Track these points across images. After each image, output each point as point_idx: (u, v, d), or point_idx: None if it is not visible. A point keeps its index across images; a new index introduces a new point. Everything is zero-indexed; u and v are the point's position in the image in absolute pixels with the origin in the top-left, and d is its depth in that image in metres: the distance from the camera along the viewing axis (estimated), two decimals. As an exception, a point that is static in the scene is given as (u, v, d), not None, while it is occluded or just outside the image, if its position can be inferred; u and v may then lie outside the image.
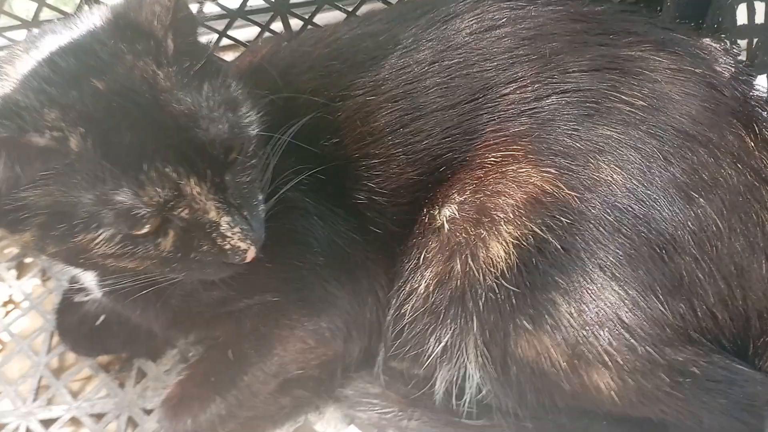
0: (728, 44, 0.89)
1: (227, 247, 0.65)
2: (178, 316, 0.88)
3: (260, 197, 0.72)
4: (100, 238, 0.61)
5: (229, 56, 1.24)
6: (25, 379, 1.08)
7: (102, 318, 1.03)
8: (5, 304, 1.20)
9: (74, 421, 1.02)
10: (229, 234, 0.65)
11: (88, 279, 0.89)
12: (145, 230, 0.62)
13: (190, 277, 0.71)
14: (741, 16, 0.89)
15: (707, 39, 0.87)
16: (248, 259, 0.67)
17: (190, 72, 0.65)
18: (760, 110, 0.81)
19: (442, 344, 0.81)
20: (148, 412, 1.00)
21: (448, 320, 0.80)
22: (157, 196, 0.60)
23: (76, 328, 1.05)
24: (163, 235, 0.64)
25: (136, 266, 0.67)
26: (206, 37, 0.94)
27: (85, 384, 1.07)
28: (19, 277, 1.23)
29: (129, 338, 1.03)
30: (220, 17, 1.10)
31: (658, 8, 1.01)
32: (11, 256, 1.25)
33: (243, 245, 0.66)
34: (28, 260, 1.26)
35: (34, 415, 1.03)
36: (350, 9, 1.11)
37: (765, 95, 0.82)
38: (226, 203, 0.65)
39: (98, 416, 1.01)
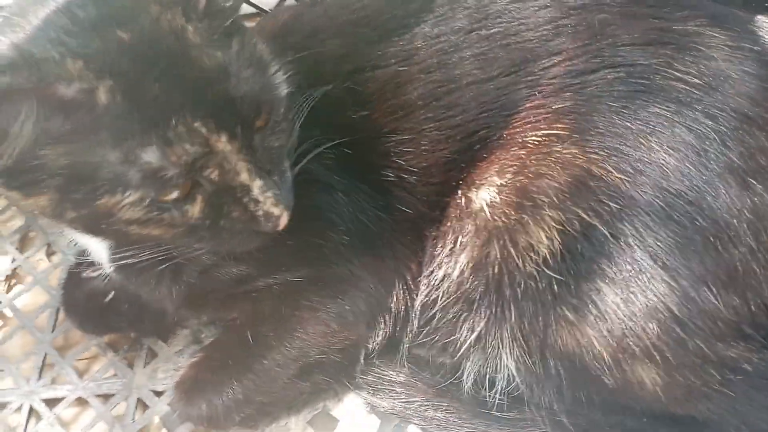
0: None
1: (259, 213, 0.62)
2: (193, 294, 0.83)
3: (287, 164, 0.68)
4: (126, 201, 0.57)
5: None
6: (28, 357, 1.03)
7: (111, 295, 0.98)
8: (8, 278, 1.16)
9: (80, 402, 0.98)
10: (261, 198, 0.62)
11: (98, 253, 0.84)
12: (173, 196, 0.58)
13: (218, 247, 0.68)
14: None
15: (761, 16, 0.82)
16: (281, 227, 0.63)
17: (220, 29, 0.61)
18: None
19: (476, 333, 0.77)
20: (159, 394, 0.96)
21: (483, 308, 0.76)
22: (185, 154, 0.56)
23: (83, 304, 1.00)
24: (191, 201, 0.60)
25: (161, 234, 0.63)
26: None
27: (91, 363, 1.03)
28: (23, 250, 1.18)
29: (139, 317, 0.99)
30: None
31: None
32: (14, 229, 1.21)
33: (276, 211, 0.62)
34: (32, 233, 1.21)
35: (38, 395, 0.98)
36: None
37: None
38: (258, 166, 0.61)
39: (105, 397, 0.97)
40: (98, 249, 0.83)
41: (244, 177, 0.61)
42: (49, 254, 1.18)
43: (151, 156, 0.56)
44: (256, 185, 0.61)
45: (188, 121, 0.56)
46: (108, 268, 0.85)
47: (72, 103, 0.54)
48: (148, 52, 0.56)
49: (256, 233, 0.65)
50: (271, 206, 0.62)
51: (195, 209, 0.61)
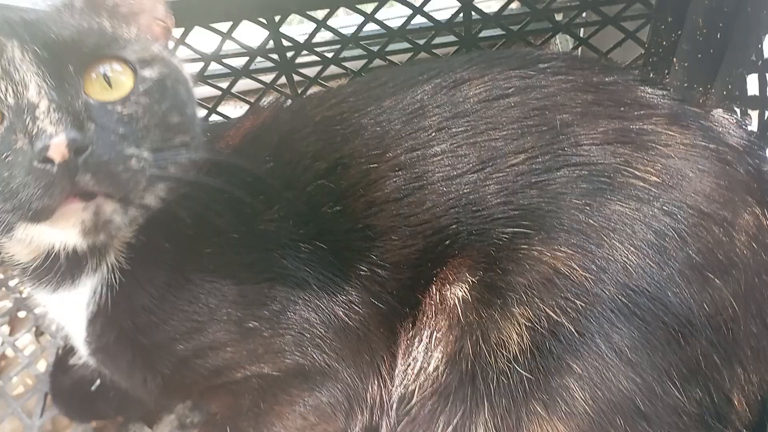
0: (739, 114, 0.88)
1: (34, 131, 0.56)
2: (171, 385, 0.84)
3: (144, 152, 0.63)
4: None
5: (229, 108, 1.23)
6: (17, 443, 1.05)
7: (98, 382, 1.00)
8: (-3, 361, 1.18)
9: (68, 490, 0.99)
10: (41, 117, 0.56)
11: (77, 339, 0.85)
12: None
13: (3, 198, 0.58)
14: (752, 86, 0.88)
15: (719, 110, 0.86)
16: (53, 151, 0.55)
17: None
18: (775, 186, 0.80)
19: (452, 426, 0.78)
20: (145, 482, 0.97)
21: (458, 401, 0.77)
22: None
23: (70, 392, 1.02)
24: None
25: None
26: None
27: (78, 449, 1.04)
28: (11, 332, 1.20)
29: (124, 403, 1.01)
30: (224, 75, 1.09)
31: (666, 71, 1.00)
32: (4, 311, 1.23)
33: (50, 129, 0.56)
34: (21, 314, 1.23)
35: (26, 483, 0.99)
36: (355, 69, 1.10)
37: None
38: (59, 92, 0.59)
39: (93, 485, 0.98)
40: (76, 334, 0.84)
41: (32, 93, 0.58)
42: (38, 335, 1.20)
43: None
44: (43, 104, 0.57)
45: None
46: (85, 354, 0.86)
47: None
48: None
49: (34, 168, 0.56)
50: (48, 124, 0.56)
51: None
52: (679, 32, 0.97)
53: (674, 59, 0.99)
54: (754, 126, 0.88)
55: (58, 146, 0.55)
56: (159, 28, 0.74)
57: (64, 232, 0.64)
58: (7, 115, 0.59)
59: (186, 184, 0.69)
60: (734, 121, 0.84)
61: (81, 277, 0.78)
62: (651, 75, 1.00)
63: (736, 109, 0.90)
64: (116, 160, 0.59)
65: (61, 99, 0.58)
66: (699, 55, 0.94)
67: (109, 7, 0.70)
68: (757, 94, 0.87)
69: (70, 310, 0.82)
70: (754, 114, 0.89)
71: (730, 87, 0.92)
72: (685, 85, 0.97)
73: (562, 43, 1.28)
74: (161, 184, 0.66)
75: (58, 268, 0.77)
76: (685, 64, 0.97)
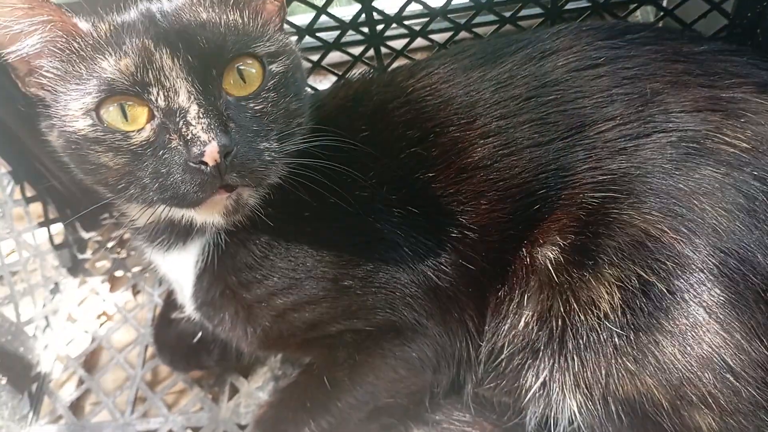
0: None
1: (189, 136, 0.64)
2: (270, 337, 0.90)
3: (274, 143, 0.71)
4: (81, 106, 0.68)
5: (313, 80, 1.28)
6: (122, 391, 1.14)
7: (199, 335, 1.08)
8: (98, 316, 1.27)
9: (171, 434, 1.08)
10: (194, 122, 0.65)
11: (183, 294, 0.93)
12: (132, 125, 0.68)
13: (161, 182, 0.68)
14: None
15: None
16: (207, 157, 0.63)
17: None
18: None
19: (540, 380, 0.83)
20: (242, 427, 1.04)
21: (547, 357, 0.82)
22: (132, 64, 0.66)
23: (174, 344, 1.10)
24: (140, 129, 0.68)
25: (110, 162, 0.69)
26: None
27: (179, 397, 1.13)
28: (112, 290, 1.30)
29: (223, 355, 1.08)
30: (315, 48, 1.14)
31: (749, 42, 1.00)
32: (104, 270, 1.32)
33: (203, 136, 0.64)
34: (118, 273, 1.32)
35: (133, 426, 1.08)
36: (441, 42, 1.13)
37: None
38: (205, 96, 0.66)
39: (194, 429, 1.07)
40: (183, 290, 0.92)
41: (182, 98, 0.66)
42: (136, 293, 1.29)
43: (107, 63, 0.67)
44: (193, 108, 0.65)
45: (143, 40, 0.67)
46: (191, 309, 0.94)
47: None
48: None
49: (189, 168, 0.65)
50: (201, 131, 0.64)
51: (141, 135, 0.68)
52: (765, 3, 0.97)
53: (758, 30, 0.99)
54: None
55: (211, 153, 0.64)
56: (273, 7, 0.79)
57: (207, 215, 0.75)
58: (157, 115, 0.67)
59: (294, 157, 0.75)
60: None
61: (191, 238, 0.85)
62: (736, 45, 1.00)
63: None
64: (254, 156, 0.68)
65: (207, 102, 0.66)
66: (785, 26, 0.94)
67: None
68: None
69: (179, 268, 0.90)
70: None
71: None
72: (769, 57, 0.97)
73: (643, 15, 1.28)
74: (283, 165, 0.73)
75: (172, 230, 0.85)
76: (771, 34, 0.97)
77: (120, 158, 0.68)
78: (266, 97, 0.72)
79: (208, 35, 0.70)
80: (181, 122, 0.65)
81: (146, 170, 0.68)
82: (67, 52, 0.71)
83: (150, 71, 0.66)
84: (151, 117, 0.68)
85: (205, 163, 0.64)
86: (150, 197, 0.70)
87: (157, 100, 0.67)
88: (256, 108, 0.71)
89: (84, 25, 0.72)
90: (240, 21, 0.75)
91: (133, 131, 0.68)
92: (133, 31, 0.69)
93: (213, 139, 0.64)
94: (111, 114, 0.68)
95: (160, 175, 0.67)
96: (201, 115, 0.65)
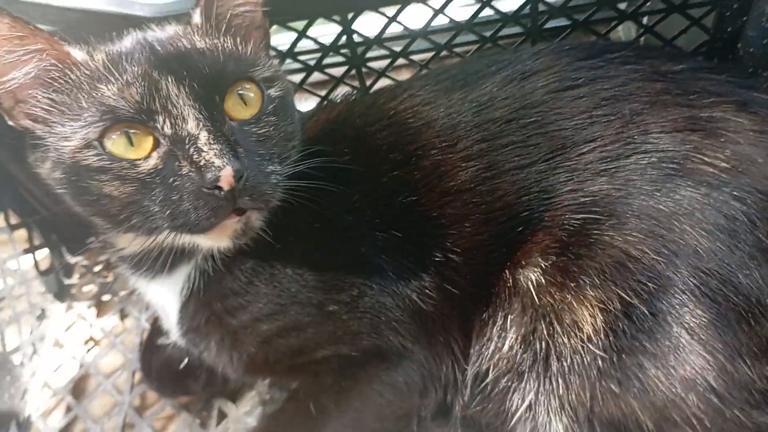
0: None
1: (201, 162, 0.65)
2: (255, 363, 0.90)
3: (278, 166, 0.73)
4: (83, 135, 0.68)
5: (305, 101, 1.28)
6: (110, 417, 1.13)
7: (185, 361, 1.07)
8: (86, 342, 1.26)
9: (160, 460, 1.07)
10: (205, 148, 0.65)
11: (169, 319, 0.93)
12: (138, 154, 0.68)
13: (171, 209, 0.68)
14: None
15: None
16: (223, 182, 0.64)
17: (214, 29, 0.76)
18: None
19: (526, 403, 0.82)
20: (231, 453, 1.04)
21: (532, 380, 0.81)
22: (138, 93, 0.67)
23: (161, 370, 1.10)
24: (147, 158, 0.68)
25: (116, 192, 0.69)
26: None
27: (167, 423, 1.12)
28: (99, 315, 1.29)
29: (210, 381, 1.08)
30: (297, 71, 1.14)
31: (730, 57, 1.01)
32: (91, 295, 1.31)
33: (217, 161, 0.65)
34: (105, 298, 1.32)
35: (122, 454, 1.08)
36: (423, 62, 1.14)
37: None
38: (213, 122, 0.67)
39: (183, 456, 1.06)
40: (169, 317, 0.92)
41: (191, 125, 0.67)
42: (123, 317, 1.28)
43: (110, 92, 0.67)
44: (203, 135, 0.66)
45: (146, 69, 0.68)
46: (177, 335, 0.93)
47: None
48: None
49: (204, 194, 0.66)
50: (214, 156, 0.65)
51: (149, 163, 0.68)
52: (745, 19, 0.98)
53: (739, 45, 1.00)
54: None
55: (226, 177, 0.64)
56: (259, 33, 0.80)
57: (216, 240, 0.76)
58: (164, 142, 0.68)
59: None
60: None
61: (177, 266, 0.85)
62: (716, 61, 1.01)
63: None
64: (263, 179, 0.70)
65: (216, 128, 0.67)
66: (764, 41, 0.95)
67: (227, 21, 0.77)
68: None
69: (165, 295, 0.90)
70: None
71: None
72: (750, 70, 0.98)
73: (625, 32, 1.29)
74: (284, 186, 0.74)
75: (158, 258, 0.84)
76: (750, 50, 0.98)
77: (127, 187, 0.68)
78: (267, 121, 0.74)
79: (209, 62, 0.71)
80: (191, 149, 0.66)
81: (155, 199, 0.68)
82: (62, 81, 0.71)
83: (156, 99, 0.67)
84: (157, 145, 0.68)
85: (220, 188, 0.65)
86: (157, 225, 0.70)
87: (163, 128, 0.67)
88: (259, 132, 0.73)
89: (78, 54, 0.72)
90: (234, 47, 0.76)
91: (139, 159, 0.68)
92: (133, 59, 0.70)
93: (227, 164, 0.64)
94: (116, 142, 0.68)
95: (171, 203, 0.68)
96: (212, 141, 0.66)
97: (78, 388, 1.20)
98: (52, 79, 0.71)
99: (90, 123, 0.68)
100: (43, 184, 0.77)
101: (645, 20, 1.12)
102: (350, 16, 1.05)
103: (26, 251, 1.26)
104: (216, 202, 0.66)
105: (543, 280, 0.81)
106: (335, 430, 0.89)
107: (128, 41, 0.76)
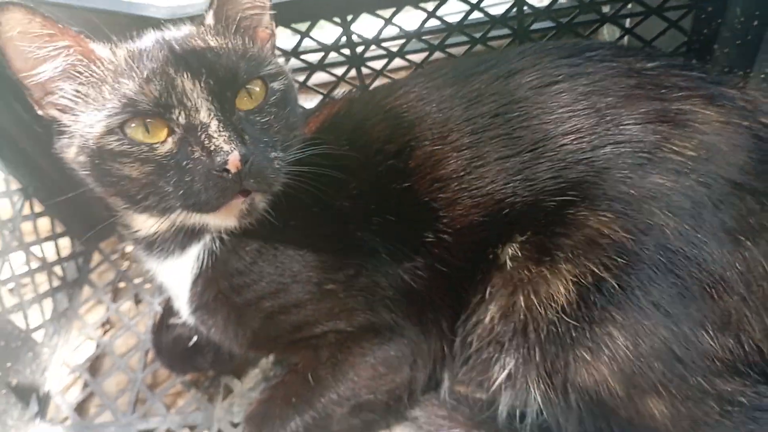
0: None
1: (212, 147, 0.72)
2: (259, 338, 0.98)
3: (280, 153, 0.80)
4: (107, 123, 0.75)
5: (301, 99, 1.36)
6: (123, 393, 1.21)
7: (194, 339, 1.15)
8: (103, 325, 1.34)
9: (169, 432, 1.14)
10: (215, 135, 0.73)
11: (180, 300, 1.00)
12: (155, 138, 0.75)
13: (185, 189, 0.75)
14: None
15: (755, 91, 0.93)
16: (230, 165, 0.71)
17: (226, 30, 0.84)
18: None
19: (506, 371, 0.89)
20: (235, 425, 1.11)
21: (512, 350, 0.88)
22: (156, 89, 0.74)
23: (171, 348, 1.17)
24: (163, 142, 0.75)
25: (136, 174, 0.76)
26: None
27: (176, 398, 1.20)
28: (114, 300, 1.37)
29: (216, 358, 1.15)
30: (301, 69, 1.22)
31: (708, 57, 1.08)
32: (108, 281, 1.40)
33: (226, 147, 0.72)
34: (121, 284, 1.40)
35: (134, 426, 1.15)
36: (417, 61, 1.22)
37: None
38: (223, 113, 0.75)
39: (191, 428, 1.13)
40: (179, 296, 0.99)
41: (203, 115, 0.74)
42: (137, 302, 1.36)
43: (131, 86, 0.74)
44: (214, 124, 0.73)
45: (164, 66, 0.75)
46: (186, 313, 1.01)
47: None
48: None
49: (213, 175, 0.73)
50: (223, 142, 0.72)
51: (165, 147, 0.75)
52: (720, 21, 1.04)
53: (715, 46, 1.06)
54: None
55: (233, 161, 0.72)
56: (265, 34, 0.88)
57: (224, 218, 0.83)
58: (177, 130, 0.75)
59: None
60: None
61: (188, 246, 0.93)
62: (694, 61, 1.08)
63: (771, 91, 0.97)
64: (267, 164, 0.77)
65: (225, 118, 0.75)
66: (738, 42, 1.01)
67: (236, 23, 0.85)
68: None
69: (176, 274, 0.97)
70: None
71: (767, 70, 0.99)
72: (726, 69, 1.05)
73: (609, 33, 1.36)
74: (286, 172, 0.81)
75: (171, 239, 0.92)
76: (726, 50, 1.04)
77: (146, 167, 0.76)
78: (270, 111, 0.81)
79: (224, 62, 0.78)
80: (203, 136, 0.73)
81: (170, 179, 0.76)
82: (87, 75, 0.79)
83: (173, 94, 0.74)
84: (171, 132, 0.76)
85: (228, 171, 0.72)
86: (171, 204, 0.78)
87: (178, 119, 0.75)
88: (262, 121, 0.80)
89: (102, 50, 0.79)
90: (244, 47, 0.84)
91: (156, 143, 0.76)
92: (152, 56, 0.77)
93: (235, 149, 0.72)
94: (134, 129, 0.76)
95: (183, 183, 0.75)
96: (221, 129, 0.73)
97: (94, 367, 1.28)
98: (78, 73, 0.79)
99: (113, 113, 0.76)
100: (66, 170, 0.85)
101: (627, 22, 1.19)
102: (349, 18, 1.13)
103: (48, 238, 1.35)
104: (224, 183, 0.73)
105: (521, 256, 0.88)
106: (331, 399, 0.96)
107: (147, 39, 0.83)
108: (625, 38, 1.20)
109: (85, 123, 0.78)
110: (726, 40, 1.04)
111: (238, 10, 0.85)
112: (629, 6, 1.12)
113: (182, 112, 0.75)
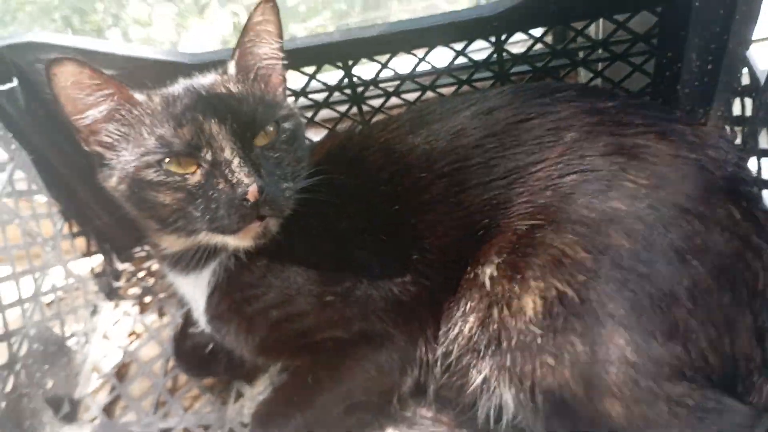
0: (728, 131, 1.06)
1: (234, 180, 0.85)
2: (266, 344, 1.09)
3: (290, 183, 0.94)
4: (146, 160, 0.89)
5: (310, 133, 1.50)
6: (146, 396, 1.33)
7: (210, 346, 1.27)
8: (130, 335, 1.48)
9: (186, 431, 1.26)
10: (237, 170, 0.86)
11: (198, 311, 1.12)
12: (183, 168, 0.89)
13: (211, 215, 0.88)
14: (736, 108, 1.06)
15: (709, 127, 1.04)
16: (250, 195, 0.84)
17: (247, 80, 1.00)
18: (747, 187, 0.97)
19: (482, 376, 0.98)
20: (245, 425, 1.22)
21: (487, 357, 0.98)
22: (188, 132, 0.87)
23: (190, 354, 1.30)
24: (192, 173, 0.89)
25: (169, 201, 0.89)
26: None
27: (194, 401, 1.32)
28: (141, 312, 1.51)
29: (230, 364, 1.27)
30: (309, 107, 1.37)
31: (673, 96, 1.19)
32: (135, 296, 1.54)
33: (246, 180, 0.85)
34: (147, 299, 1.54)
35: (155, 425, 1.27)
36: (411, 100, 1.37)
37: (752, 175, 0.99)
38: (243, 151, 0.88)
39: (205, 427, 1.25)
40: (197, 307, 1.11)
41: (227, 153, 0.87)
42: (161, 315, 1.50)
43: (166, 129, 0.88)
44: (236, 161, 0.87)
45: (195, 114, 0.88)
46: (203, 323, 1.13)
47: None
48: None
49: (235, 204, 0.85)
50: (243, 176, 0.85)
51: (194, 178, 0.89)
52: (679, 65, 1.15)
53: (678, 87, 1.17)
54: (739, 140, 1.06)
55: (253, 192, 0.85)
56: (278, 80, 1.03)
57: (242, 240, 0.96)
58: (204, 165, 0.90)
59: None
60: (719, 135, 1.02)
61: (206, 263, 1.05)
62: (660, 100, 1.19)
63: (727, 127, 1.08)
64: (280, 194, 0.91)
65: (245, 155, 0.89)
66: (696, 83, 1.12)
67: (255, 71, 0.99)
68: (740, 114, 1.05)
69: (195, 287, 1.10)
70: (739, 131, 1.06)
71: (722, 109, 1.10)
72: (688, 108, 1.15)
73: (585, 75, 1.48)
74: (295, 199, 0.95)
75: (192, 257, 1.05)
76: (686, 91, 1.15)
77: (177, 195, 0.89)
78: (281, 147, 0.95)
79: (245, 108, 0.93)
80: (226, 170, 0.87)
81: (198, 206, 0.89)
82: (128, 117, 0.93)
83: (202, 137, 0.89)
84: (199, 166, 0.90)
85: (247, 200, 0.85)
86: (197, 227, 0.91)
87: (205, 156, 0.89)
88: (275, 156, 0.94)
89: (140, 96, 0.94)
90: (261, 93, 0.98)
91: (187, 174, 0.90)
92: (184, 103, 0.91)
93: (254, 182, 0.84)
94: (169, 163, 0.90)
95: (209, 210, 0.88)
96: (242, 165, 0.86)
97: (121, 372, 1.41)
98: (120, 116, 0.94)
99: (150, 151, 0.90)
100: (102, 196, 0.99)
101: (599, 66, 1.31)
102: (351, 62, 1.28)
103: (84, 256, 1.50)
104: (244, 210, 0.87)
105: (496, 274, 0.99)
106: (329, 399, 1.06)
107: (179, 86, 0.98)
108: (599, 80, 1.32)
109: (125, 158, 0.92)
110: (686, 82, 1.14)
111: (256, 60, 1.00)
112: (599, 51, 1.24)
113: (209, 151, 0.89)
